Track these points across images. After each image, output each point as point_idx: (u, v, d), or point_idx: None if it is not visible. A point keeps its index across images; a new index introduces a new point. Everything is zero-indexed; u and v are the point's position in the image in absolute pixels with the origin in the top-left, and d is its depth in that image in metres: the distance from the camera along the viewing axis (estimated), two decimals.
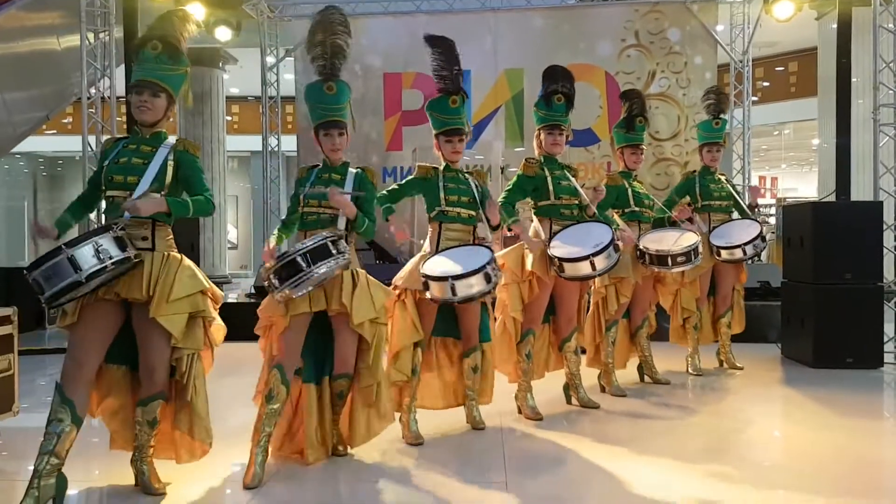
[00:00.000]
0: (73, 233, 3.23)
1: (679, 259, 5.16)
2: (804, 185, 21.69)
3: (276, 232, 3.79)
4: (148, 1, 8.03)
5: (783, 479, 3.46)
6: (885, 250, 6.35)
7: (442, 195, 4.13)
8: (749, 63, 10.32)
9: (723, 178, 6.10)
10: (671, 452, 3.84)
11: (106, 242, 2.92)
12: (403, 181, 4.37)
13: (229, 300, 8.82)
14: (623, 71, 10.26)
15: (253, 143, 13.75)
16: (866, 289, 6.12)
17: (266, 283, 3.42)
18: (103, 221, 3.22)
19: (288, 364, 3.51)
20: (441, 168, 4.29)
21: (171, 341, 3.12)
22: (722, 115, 6.05)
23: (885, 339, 6.27)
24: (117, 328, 3.15)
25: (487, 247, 4.01)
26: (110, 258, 2.92)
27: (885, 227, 6.41)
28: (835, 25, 8.18)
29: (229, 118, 17.51)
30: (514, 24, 10.35)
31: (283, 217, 3.88)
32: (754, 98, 11.78)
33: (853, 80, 9.54)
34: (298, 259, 3.27)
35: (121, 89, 7.36)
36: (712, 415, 4.79)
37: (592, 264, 4.15)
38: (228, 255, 15.75)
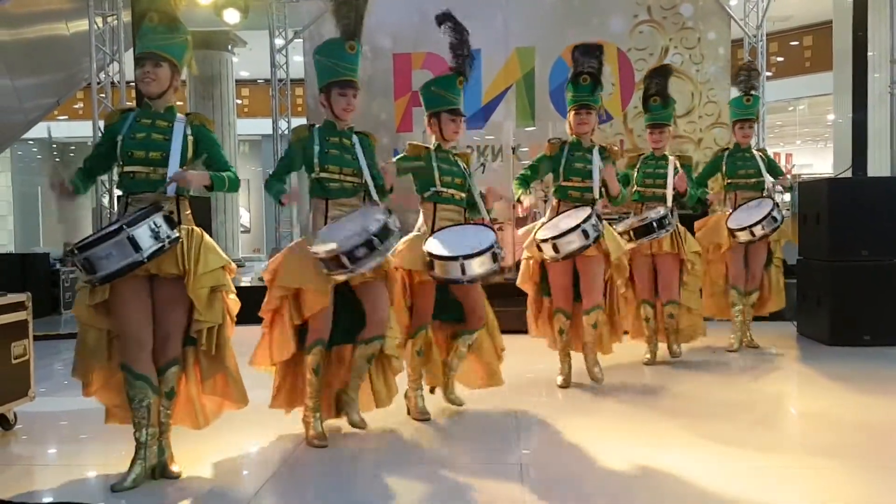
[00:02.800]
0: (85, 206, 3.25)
1: (638, 231, 5.15)
2: (819, 161, 21.46)
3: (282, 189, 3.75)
4: None
5: (801, 456, 3.44)
6: None
7: (437, 175, 4.08)
8: (763, 38, 10.15)
9: (758, 154, 6.00)
10: (687, 431, 3.82)
11: (160, 221, 2.99)
12: (396, 158, 4.31)
13: (242, 284, 8.84)
14: (635, 47, 10.14)
15: (264, 126, 13.74)
16: (883, 266, 6.05)
17: (325, 261, 3.38)
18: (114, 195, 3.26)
19: (326, 337, 3.64)
20: (433, 148, 4.21)
21: (187, 310, 3.18)
22: (753, 92, 5.96)
23: None
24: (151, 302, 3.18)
25: (489, 226, 3.99)
26: (168, 237, 3.00)
27: None
28: None
29: (239, 101, 17.49)
30: (524, 2, 10.23)
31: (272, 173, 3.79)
32: (768, 73, 11.61)
33: (869, 53, 9.39)
34: (375, 241, 3.31)
35: (130, 74, 7.32)
36: (728, 392, 4.76)
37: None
38: (241, 238, 15.80)
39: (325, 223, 3.62)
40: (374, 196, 3.68)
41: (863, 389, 4.75)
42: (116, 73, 7.59)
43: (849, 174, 6.99)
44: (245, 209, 20.43)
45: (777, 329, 6.66)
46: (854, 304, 6.01)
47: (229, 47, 13.96)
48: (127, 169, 3.18)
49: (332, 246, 3.32)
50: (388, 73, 10.59)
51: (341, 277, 3.44)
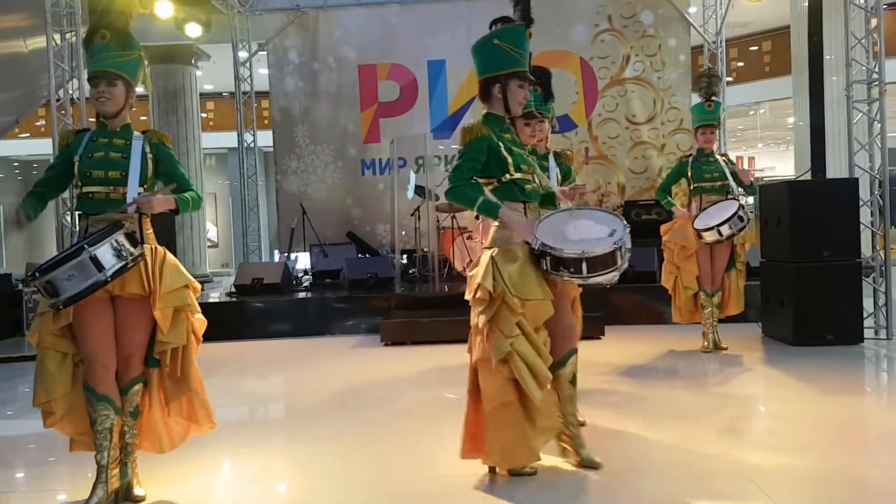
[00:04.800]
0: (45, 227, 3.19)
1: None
2: (781, 163, 21.84)
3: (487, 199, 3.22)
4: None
5: (770, 457, 3.49)
6: (861, 226, 6.40)
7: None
8: (722, 44, 10.34)
9: (721, 158, 6.12)
10: (655, 433, 3.85)
11: (122, 239, 2.95)
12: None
13: (211, 300, 8.76)
14: (598, 56, 10.26)
15: (229, 139, 13.64)
16: (844, 265, 6.17)
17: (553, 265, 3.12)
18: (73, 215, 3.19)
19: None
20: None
21: (149, 330, 3.13)
22: (714, 97, 6.08)
23: (865, 314, 6.32)
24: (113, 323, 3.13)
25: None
26: (130, 255, 2.96)
27: (860, 203, 6.45)
28: (806, 3, 8.20)
29: (204, 115, 17.33)
30: (487, 13, 10.12)
31: (467, 178, 3.25)
32: (729, 78, 11.83)
33: (826, 57, 9.56)
34: (619, 253, 3.13)
35: (90, 91, 7.25)
36: (694, 394, 4.82)
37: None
38: (209, 253, 15.64)
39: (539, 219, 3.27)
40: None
41: (828, 389, 4.84)
42: (76, 90, 7.48)
43: (809, 176, 7.10)
44: (212, 223, 20.23)
45: (742, 330, 6.75)
46: (817, 304, 6.12)
47: (192, 61, 13.84)
48: (86, 189, 3.13)
49: (607, 244, 3.10)
50: (354, 84, 10.62)
51: (594, 280, 3.12)
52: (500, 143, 3.29)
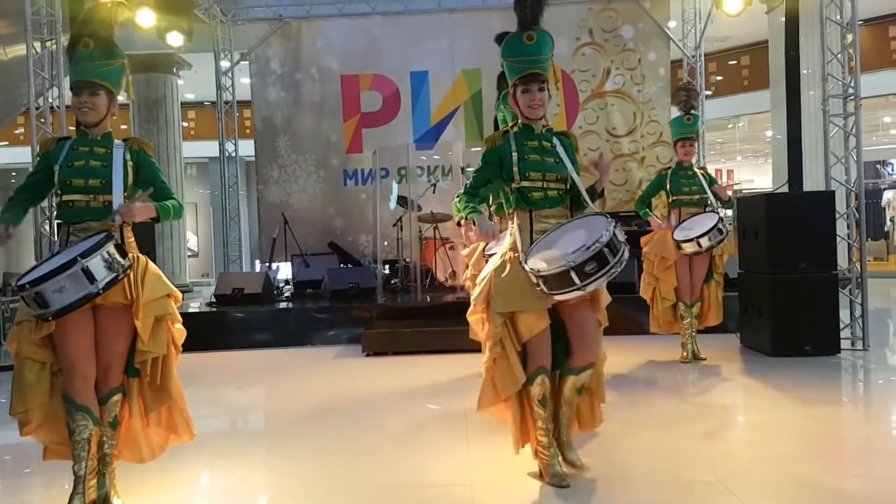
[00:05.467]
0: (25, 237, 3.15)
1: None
2: (760, 176, 22.06)
3: (470, 205, 3.31)
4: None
5: (748, 466, 3.52)
6: (837, 238, 6.48)
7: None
8: (702, 58, 10.47)
9: (699, 171, 6.20)
10: (635, 443, 3.87)
11: (113, 250, 2.92)
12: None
13: (191, 310, 8.69)
14: (579, 69, 10.36)
15: (210, 148, 13.59)
16: (821, 277, 6.24)
17: (548, 279, 3.04)
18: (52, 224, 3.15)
19: (548, 365, 3.29)
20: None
21: (129, 340, 3.10)
22: (693, 111, 6.15)
23: (841, 325, 6.40)
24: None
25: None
26: (121, 267, 2.94)
27: (837, 215, 6.54)
28: (784, 19, 8.32)
29: (186, 124, 17.26)
30: (470, 25, 10.37)
31: (468, 185, 3.38)
32: (708, 92, 11.97)
33: (803, 71, 9.72)
34: (605, 251, 2.98)
35: (70, 98, 7.19)
36: (673, 404, 4.85)
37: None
38: (189, 263, 15.54)
39: (531, 239, 3.26)
40: (588, 203, 3.33)
41: (805, 399, 4.88)
42: (56, 99, 7.43)
43: (786, 189, 7.20)
44: (192, 233, 20.10)
45: (721, 341, 6.81)
46: (794, 315, 6.19)
47: (174, 70, 13.79)
48: (66, 198, 3.11)
49: (560, 262, 3.00)
50: (337, 94, 10.63)
51: (565, 297, 3.08)
52: (516, 153, 3.31)
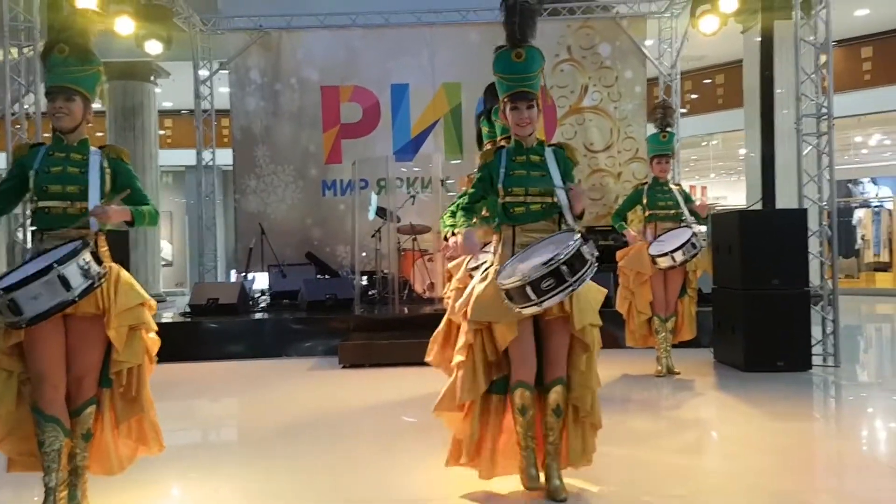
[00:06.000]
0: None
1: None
2: (733, 193, 22.34)
3: (461, 220, 3.43)
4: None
5: (721, 482, 3.55)
6: (810, 256, 6.58)
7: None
8: (677, 76, 10.60)
9: (675, 187, 6.28)
10: (608, 458, 3.89)
11: (88, 258, 2.89)
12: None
13: (164, 320, 8.61)
14: (557, 85, 10.44)
15: (188, 157, 13.49)
16: (793, 294, 6.32)
17: (510, 293, 3.05)
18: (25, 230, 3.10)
19: (529, 380, 3.27)
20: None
21: (103, 350, 3.07)
22: (669, 128, 6.24)
23: (813, 342, 6.48)
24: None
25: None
26: (97, 274, 2.92)
27: (809, 233, 6.63)
28: (759, 39, 8.45)
29: (163, 132, 17.13)
30: (450, 39, 10.43)
31: (465, 202, 3.46)
32: (683, 110, 12.12)
33: (777, 91, 9.90)
34: (563, 268, 2.96)
35: (45, 104, 7.11)
36: (648, 418, 4.88)
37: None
38: (163, 272, 15.38)
39: (513, 252, 3.29)
40: (566, 219, 3.31)
41: (778, 414, 4.94)
42: (32, 105, 7.34)
43: (759, 206, 7.30)
44: (167, 241, 19.92)
45: (695, 356, 6.87)
46: (767, 331, 6.26)
47: (152, 78, 13.70)
48: (42, 204, 3.08)
49: (517, 276, 3.01)
50: (317, 105, 10.62)
51: (529, 311, 3.09)
52: (504, 168, 3.36)
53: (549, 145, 3.46)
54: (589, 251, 3.05)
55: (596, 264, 3.09)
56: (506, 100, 3.39)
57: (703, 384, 6.01)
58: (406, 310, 8.67)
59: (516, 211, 3.35)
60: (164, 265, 16.27)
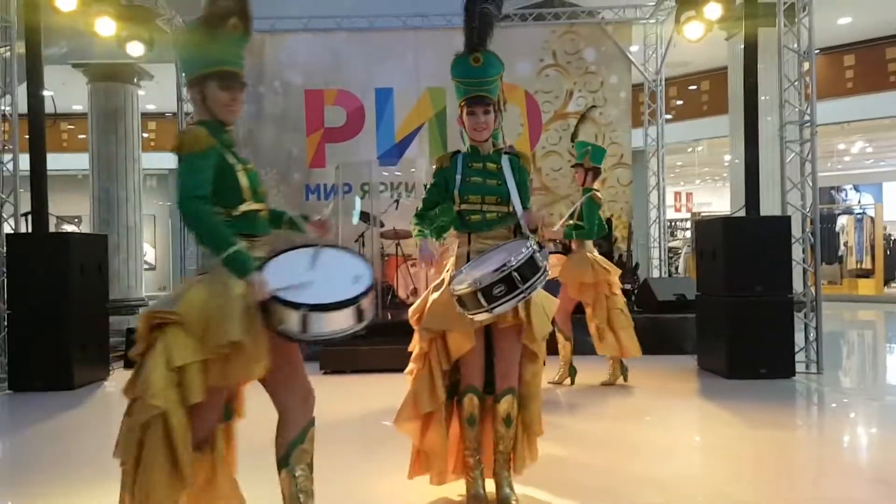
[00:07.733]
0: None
1: None
2: (718, 199, 22.46)
3: (417, 228, 3.37)
4: (51, 15, 7.69)
5: (703, 489, 3.52)
6: (793, 263, 6.58)
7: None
8: (662, 82, 10.62)
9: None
10: (589, 466, 3.85)
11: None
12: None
13: None
14: (542, 90, 10.42)
15: (171, 160, 13.31)
16: (777, 301, 6.33)
17: (462, 299, 3.02)
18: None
19: (478, 385, 3.26)
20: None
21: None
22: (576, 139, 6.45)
23: (796, 349, 6.49)
24: None
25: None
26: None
27: (792, 240, 6.64)
28: (743, 46, 8.47)
29: (146, 135, 17.00)
30: (435, 43, 10.38)
31: (419, 208, 3.39)
32: (668, 116, 12.14)
33: (762, 98, 9.88)
34: (514, 275, 2.92)
35: (23, 106, 7.01)
36: (630, 425, 4.84)
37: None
38: (146, 276, 15.24)
39: (468, 259, 3.25)
40: (522, 227, 3.23)
41: (760, 421, 4.93)
42: (9, 106, 7.22)
43: (743, 213, 7.29)
44: (150, 245, 19.76)
45: (678, 363, 6.86)
46: (750, 338, 6.25)
47: (135, 80, 13.58)
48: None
49: (469, 283, 2.97)
50: (300, 108, 10.54)
51: (480, 318, 3.03)
52: (459, 175, 3.32)
53: (505, 152, 3.39)
54: (542, 259, 3.02)
55: (548, 272, 3.06)
56: (462, 104, 3.35)
57: (687, 391, 5.99)
58: (389, 315, 8.60)
59: (472, 219, 3.30)
60: (146, 269, 16.12)
